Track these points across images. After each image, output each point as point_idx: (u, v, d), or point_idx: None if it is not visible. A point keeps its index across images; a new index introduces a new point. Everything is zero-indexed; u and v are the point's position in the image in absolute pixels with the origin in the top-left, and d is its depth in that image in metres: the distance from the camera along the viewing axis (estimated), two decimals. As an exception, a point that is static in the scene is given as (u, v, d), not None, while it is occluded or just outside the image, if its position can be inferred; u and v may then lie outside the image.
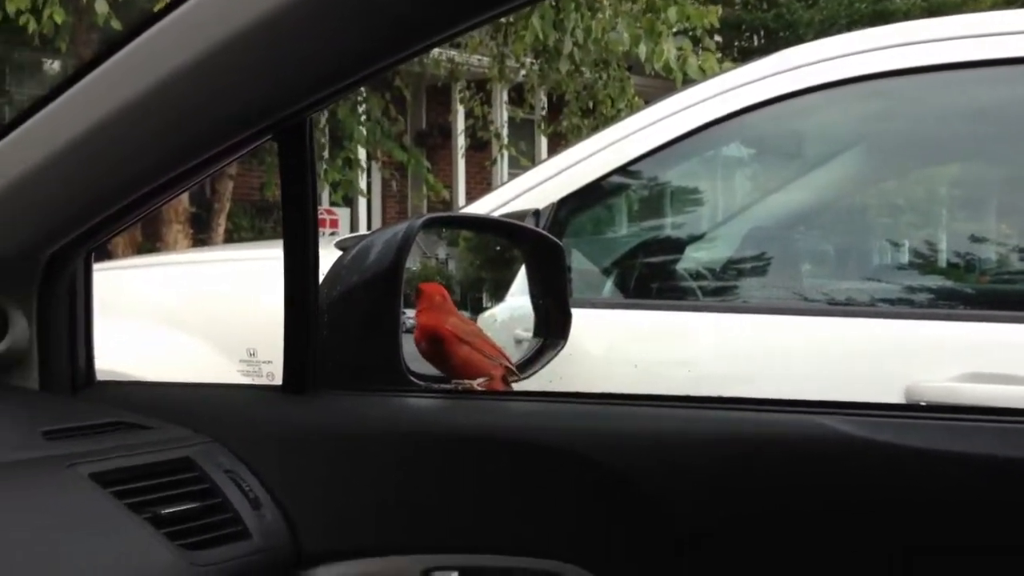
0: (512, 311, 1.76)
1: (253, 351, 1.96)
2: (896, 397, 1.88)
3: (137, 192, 1.05)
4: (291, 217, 1.10)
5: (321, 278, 1.17)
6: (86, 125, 1.00)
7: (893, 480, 1.00)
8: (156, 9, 0.98)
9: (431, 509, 1.08)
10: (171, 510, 0.94)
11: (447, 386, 1.25)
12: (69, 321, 1.14)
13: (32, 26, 6.22)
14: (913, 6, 14.42)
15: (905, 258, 2.40)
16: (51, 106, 1.02)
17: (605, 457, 1.04)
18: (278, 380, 1.14)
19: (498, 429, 1.09)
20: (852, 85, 2.17)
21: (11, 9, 6.19)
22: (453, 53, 8.93)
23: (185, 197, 8.01)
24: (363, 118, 8.53)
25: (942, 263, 2.32)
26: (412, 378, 1.20)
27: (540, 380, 1.43)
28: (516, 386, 1.30)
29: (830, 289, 2.30)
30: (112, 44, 1.00)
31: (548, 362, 1.37)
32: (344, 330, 1.20)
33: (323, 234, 8.95)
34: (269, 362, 1.93)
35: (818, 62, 2.18)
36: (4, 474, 0.89)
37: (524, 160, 9.28)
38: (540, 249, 1.50)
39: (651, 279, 2.35)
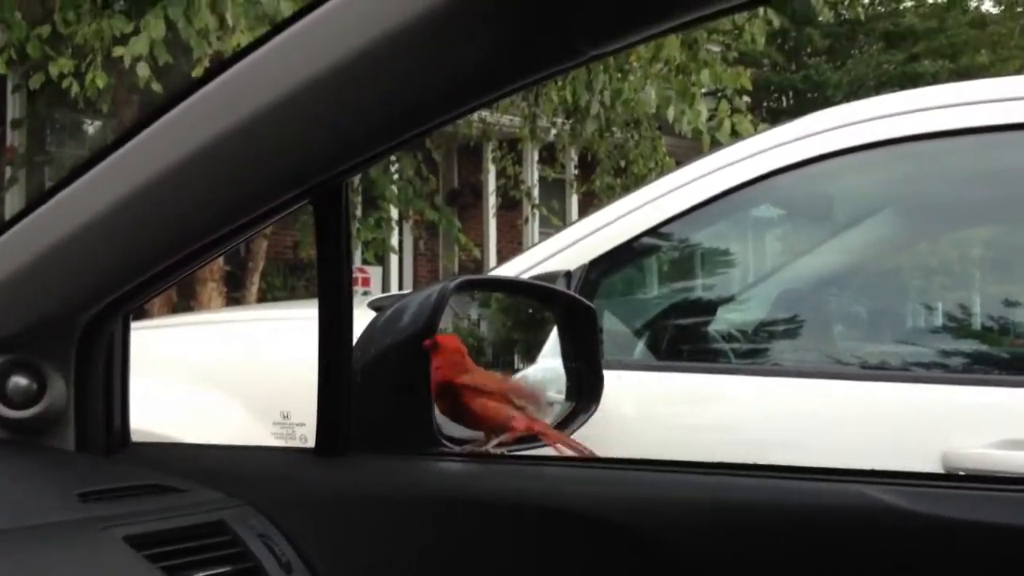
0: (544, 373, 1.76)
1: (287, 413, 1.97)
2: (932, 463, 1.85)
3: (175, 256, 1.07)
4: (326, 280, 1.12)
5: (354, 339, 1.18)
6: (127, 190, 1.01)
7: (935, 551, 0.99)
8: (196, 76, 1.00)
9: (464, 575, 1.08)
10: (204, 575, 0.94)
11: (478, 450, 1.25)
12: (105, 383, 1.15)
13: (75, 89, 6.34)
14: (941, 68, 14.45)
15: (939, 321, 2.38)
16: (93, 171, 1.04)
17: (641, 525, 1.04)
18: (311, 443, 1.15)
19: (531, 495, 1.09)
20: (882, 148, 2.17)
21: (54, 72, 6.32)
22: (484, 113, 9.01)
23: (219, 256, 8.08)
24: (395, 178, 8.61)
25: (976, 326, 2.30)
26: (444, 441, 1.20)
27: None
28: (549, 451, 1.29)
29: (863, 352, 2.28)
30: (153, 111, 1.02)
31: (580, 426, 1.37)
32: (377, 392, 1.20)
33: (356, 293, 8.96)
34: (303, 424, 1.94)
35: (848, 125, 2.19)
36: (40, 536, 0.89)
37: (555, 219, 9.32)
38: (572, 312, 1.50)
39: (683, 341, 2.34)
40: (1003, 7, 17.19)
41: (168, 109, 1.01)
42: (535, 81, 0.97)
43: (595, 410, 1.40)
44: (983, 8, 18.11)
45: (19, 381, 1.08)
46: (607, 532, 1.05)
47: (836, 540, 1.01)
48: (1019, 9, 18.18)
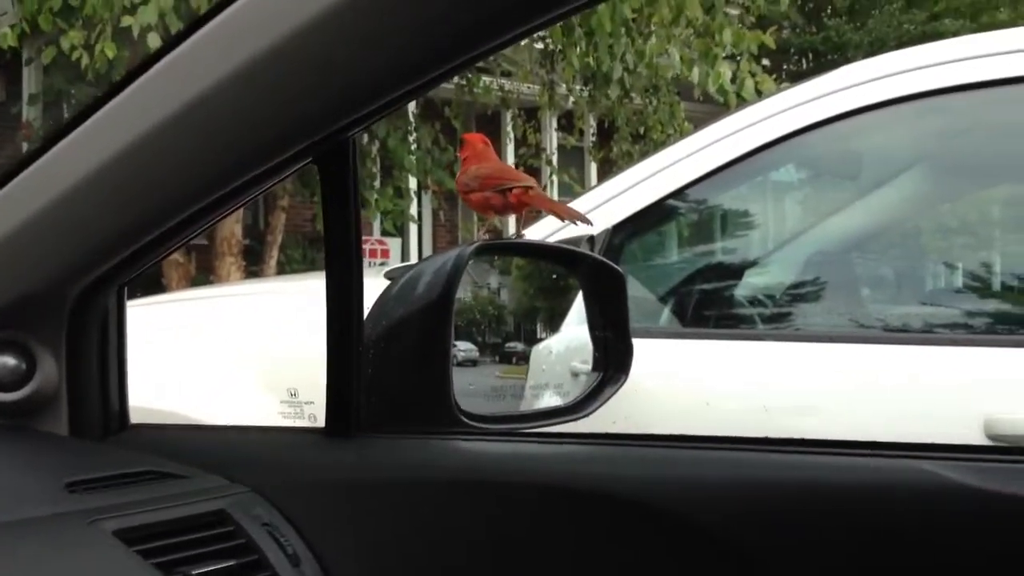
0: (568, 342, 1.69)
1: (294, 391, 1.88)
2: (974, 430, 1.78)
3: (170, 220, 0.99)
4: (333, 246, 1.03)
5: (369, 311, 1.11)
6: (115, 150, 0.93)
7: (1002, 532, 0.90)
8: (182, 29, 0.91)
9: (486, 562, 1.00)
10: (203, 570, 0.86)
11: (501, 427, 1.17)
12: (101, 361, 1.07)
13: (85, 61, 6.28)
14: (962, 27, 14.23)
15: (979, 281, 2.29)
16: (76, 132, 0.95)
17: (679, 508, 0.95)
18: (321, 422, 1.07)
19: (554, 475, 1.01)
20: (909, 103, 2.08)
21: (65, 45, 6.26)
22: (503, 81, 8.91)
23: (238, 230, 8.04)
24: (413, 147, 8.52)
25: (1019, 286, 2.21)
26: (464, 418, 1.12)
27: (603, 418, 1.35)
28: (578, 428, 1.21)
29: (899, 315, 2.20)
30: (137, 67, 0.94)
31: (609, 398, 1.29)
32: (391, 366, 1.12)
33: (374, 264, 8.87)
34: (311, 403, 1.86)
35: (872, 80, 2.10)
36: (21, 532, 0.81)
37: (576, 187, 9.22)
38: (599, 277, 1.41)
39: (709, 307, 2.26)
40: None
41: (154, 63, 0.92)
42: (551, 20, 0.88)
43: (624, 381, 1.31)
44: (1004, -35, 17.85)
45: (6, 361, 1.00)
46: (636, 514, 0.97)
47: (896, 522, 0.92)
48: (1041, -34, 17.91)
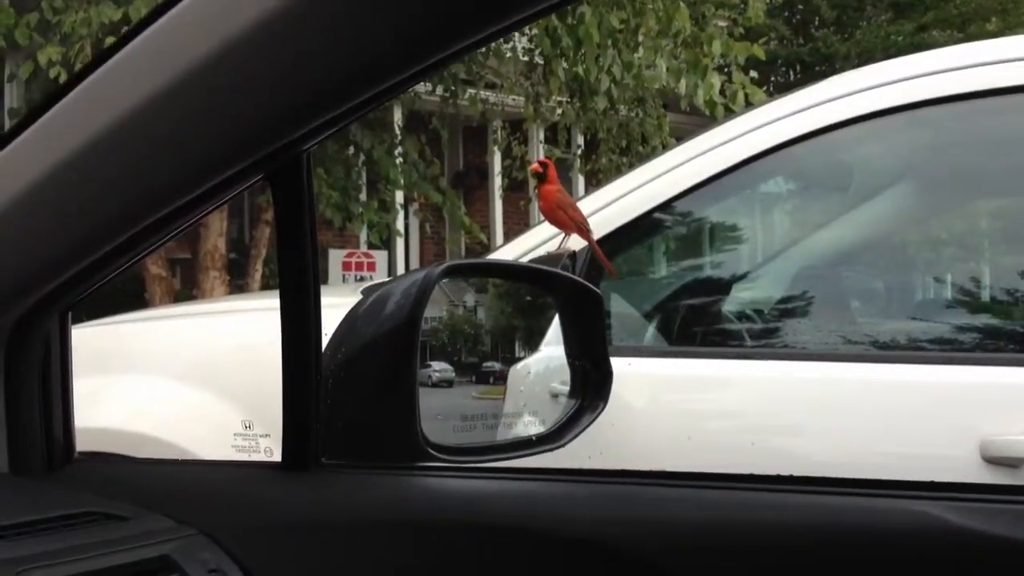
0: (548, 362, 1.62)
1: (249, 423, 1.80)
2: (969, 453, 1.72)
3: (112, 241, 0.91)
4: (288, 268, 0.96)
5: (334, 331, 1.04)
6: (49, 166, 0.86)
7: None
8: (123, 33, 0.84)
9: None
10: None
11: (470, 459, 1.09)
12: (43, 392, 1.00)
13: (63, 78, 6.22)
14: (950, 38, 14.23)
15: (975, 297, 2.23)
16: (9, 147, 0.88)
17: (660, 558, 0.88)
18: (277, 456, 1.00)
19: (530, 516, 0.94)
20: (902, 113, 2.03)
21: (42, 60, 6.19)
22: (488, 94, 8.85)
23: (222, 243, 7.96)
24: (399, 160, 8.45)
25: (1018, 302, 2.15)
26: (431, 450, 1.04)
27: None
28: (554, 462, 1.14)
29: (891, 332, 2.14)
30: (77, 74, 0.87)
31: (587, 427, 1.21)
32: (353, 394, 1.05)
33: (355, 278, 8.73)
34: (267, 435, 1.78)
35: (865, 90, 2.05)
36: None
37: (563, 199, 9.15)
38: (575, 298, 1.34)
39: (696, 324, 2.20)
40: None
41: (90, 73, 0.85)
42: (535, 14, 0.80)
43: (603, 409, 1.24)
44: (992, -24, 17.89)
45: None
46: (629, 565, 0.90)
47: (877, 566, 0.85)
48: (1028, -23, 17.97)
